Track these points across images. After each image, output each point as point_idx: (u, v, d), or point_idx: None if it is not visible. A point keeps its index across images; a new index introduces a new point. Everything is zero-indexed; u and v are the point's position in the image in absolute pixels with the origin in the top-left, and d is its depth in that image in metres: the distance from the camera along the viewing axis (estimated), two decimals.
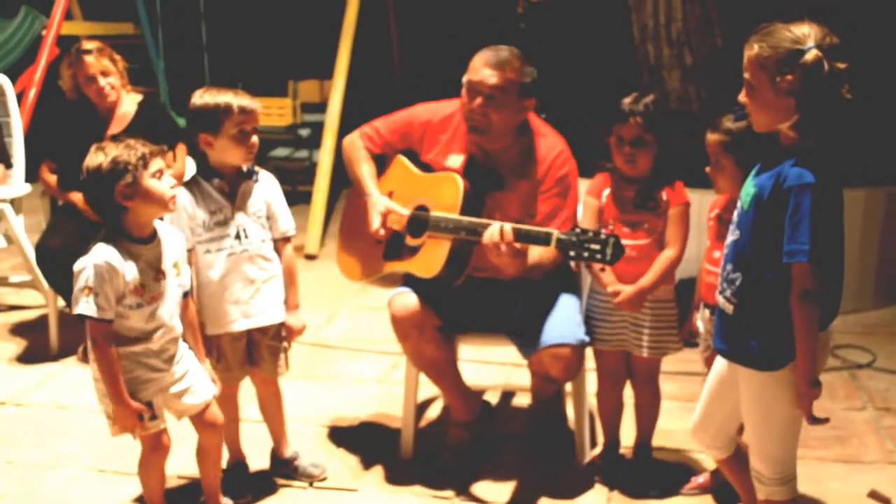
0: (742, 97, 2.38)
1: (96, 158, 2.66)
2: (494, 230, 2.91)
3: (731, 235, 2.48)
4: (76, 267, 2.66)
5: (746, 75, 2.33)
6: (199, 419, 2.94)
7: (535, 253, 3.04)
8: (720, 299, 2.50)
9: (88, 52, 4.41)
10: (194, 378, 2.88)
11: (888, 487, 3.22)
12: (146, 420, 2.76)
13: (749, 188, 2.41)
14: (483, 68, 3.15)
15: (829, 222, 2.27)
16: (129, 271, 2.67)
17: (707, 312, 3.03)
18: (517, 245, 2.90)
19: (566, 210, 3.22)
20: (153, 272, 2.74)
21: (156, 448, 2.85)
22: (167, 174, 2.75)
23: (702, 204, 3.17)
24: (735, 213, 2.49)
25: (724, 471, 2.84)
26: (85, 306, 2.61)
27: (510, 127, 3.21)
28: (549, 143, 3.27)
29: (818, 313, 2.30)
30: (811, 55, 2.22)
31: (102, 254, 2.65)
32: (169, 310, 2.78)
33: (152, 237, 2.77)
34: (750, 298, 2.40)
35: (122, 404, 2.68)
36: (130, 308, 2.69)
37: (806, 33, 2.25)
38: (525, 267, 3.01)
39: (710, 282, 2.97)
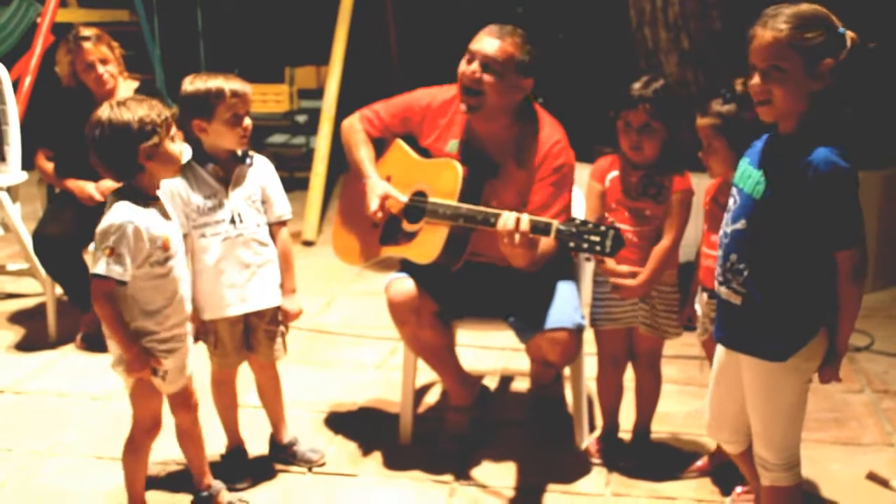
0: (757, 83, 2.29)
1: (122, 114, 2.66)
2: (509, 219, 2.87)
3: (734, 224, 2.43)
4: (101, 225, 2.67)
5: (770, 61, 2.25)
6: (180, 398, 2.95)
7: (541, 243, 3.03)
8: (722, 290, 2.47)
9: (87, 38, 4.39)
10: (191, 351, 2.91)
11: (886, 469, 3.23)
12: (160, 374, 2.79)
13: (757, 177, 2.36)
14: (485, 37, 3.15)
15: (858, 203, 2.27)
16: (155, 227, 2.70)
17: (705, 296, 3.03)
18: (531, 235, 2.87)
19: (562, 200, 3.20)
20: (170, 225, 2.79)
21: (152, 429, 2.87)
22: (179, 137, 2.77)
23: (698, 187, 3.16)
24: (735, 202, 2.45)
25: (739, 464, 2.80)
26: (102, 266, 2.63)
27: (503, 103, 3.18)
28: (547, 133, 3.25)
29: (863, 289, 2.34)
30: (852, 37, 2.23)
31: (127, 213, 2.66)
32: (182, 266, 2.82)
33: (157, 195, 2.81)
34: (761, 289, 2.37)
35: (131, 349, 2.70)
36: (158, 264, 2.71)
37: (830, 16, 2.25)
38: (535, 258, 3.00)
39: (708, 265, 2.97)
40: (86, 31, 4.44)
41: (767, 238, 2.35)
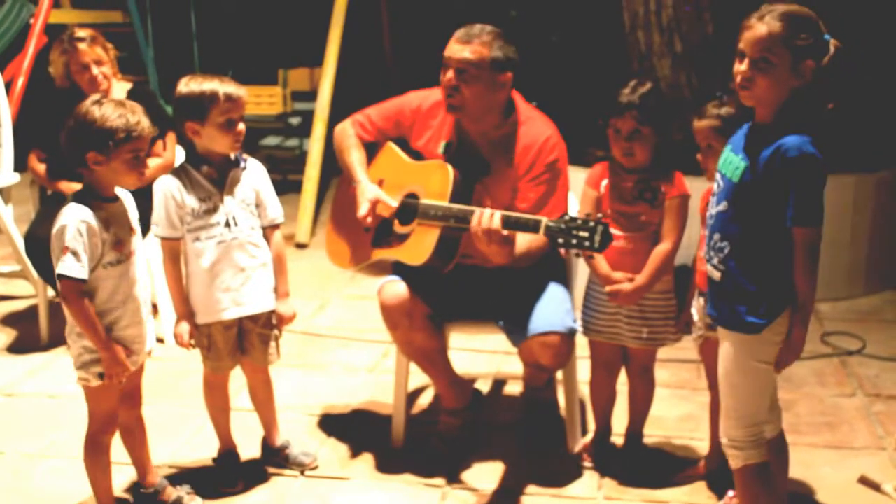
0: (745, 69, 2.42)
1: (92, 111, 2.67)
2: (483, 216, 2.90)
3: (718, 206, 2.56)
4: (55, 228, 2.68)
5: (762, 53, 2.38)
6: (127, 395, 2.95)
7: (524, 241, 3.03)
8: (709, 268, 2.61)
9: (82, 39, 4.40)
10: (147, 346, 2.92)
11: (878, 473, 3.24)
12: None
13: (737, 162, 2.50)
14: (454, 43, 3.18)
15: (823, 188, 2.41)
16: (107, 228, 2.73)
17: (702, 301, 3.03)
18: (505, 232, 2.89)
19: (556, 196, 3.21)
20: (125, 228, 2.80)
21: (109, 424, 2.87)
22: (149, 159, 2.78)
23: (694, 191, 3.16)
24: (719, 186, 2.57)
25: None
26: (63, 266, 2.64)
27: (486, 103, 3.20)
28: (538, 128, 3.26)
29: (816, 277, 2.46)
30: (835, 45, 2.39)
31: (78, 213, 2.68)
32: (139, 269, 2.82)
33: (116, 196, 2.82)
34: (738, 265, 2.51)
35: (108, 349, 2.73)
36: (111, 265, 2.72)
37: (819, 21, 2.40)
38: (513, 256, 3.00)
39: (706, 271, 2.97)
40: (81, 32, 4.44)
41: (744, 217, 2.49)
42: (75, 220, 2.66)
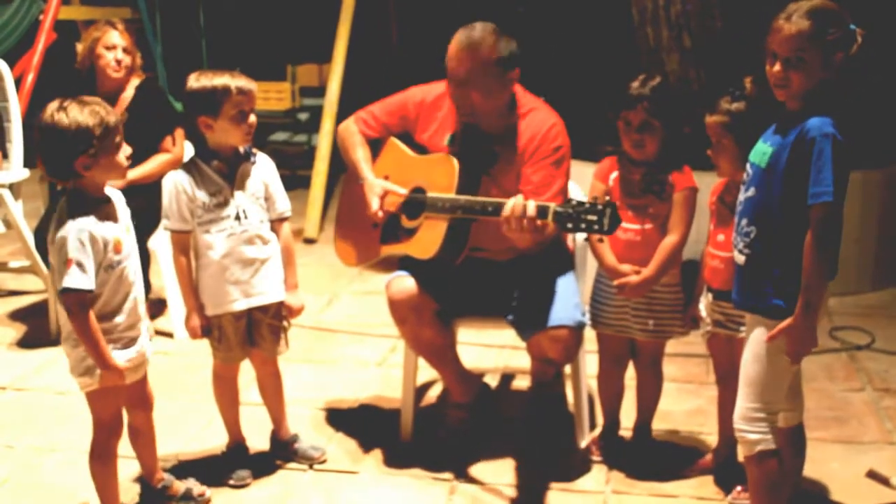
0: (779, 69, 2.45)
1: (61, 119, 2.59)
2: (517, 205, 2.85)
3: (746, 193, 2.59)
4: (56, 238, 2.64)
5: (795, 52, 2.42)
6: (137, 397, 2.94)
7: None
8: (735, 253, 2.63)
9: (120, 24, 4.52)
10: (146, 348, 2.88)
11: (887, 467, 3.23)
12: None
13: (765, 148, 2.54)
14: (457, 55, 3.13)
15: (845, 170, 2.41)
16: (106, 231, 2.69)
17: (710, 296, 3.03)
18: (538, 222, 2.84)
19: (559, 180, 3.20)
20: (121, 228, 2.77)
21: (115, 429, 2.85)
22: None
23: (701, 185, 3.16)
24: (749, 175, 2.60)
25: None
26: (69, 279, 2.59)
27: (499, 103, 3.21)
28: (543, 116, 3.26)
29: (827, 260, 2.43)
30: (861, 33, 2.43)
31: (76, 222, 2.63)
32: (135, 268, 2.80)
33: (107, 196, 2.78)
34: (764, 248, 2.53)
35: (109, 367, 2.68)
36: (111, 268, 2.69)
37: (844, 13, 2.44)
38: (541, 240, 2.99)
39: (714, 266, 2.98)
40: (117, 22, 4.55)
41: (771, 200, 2.51)
42: (75, 230, 2.61)
